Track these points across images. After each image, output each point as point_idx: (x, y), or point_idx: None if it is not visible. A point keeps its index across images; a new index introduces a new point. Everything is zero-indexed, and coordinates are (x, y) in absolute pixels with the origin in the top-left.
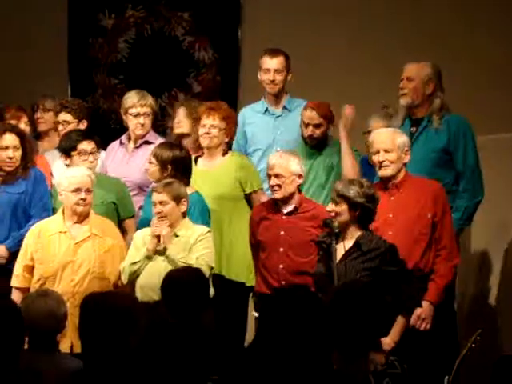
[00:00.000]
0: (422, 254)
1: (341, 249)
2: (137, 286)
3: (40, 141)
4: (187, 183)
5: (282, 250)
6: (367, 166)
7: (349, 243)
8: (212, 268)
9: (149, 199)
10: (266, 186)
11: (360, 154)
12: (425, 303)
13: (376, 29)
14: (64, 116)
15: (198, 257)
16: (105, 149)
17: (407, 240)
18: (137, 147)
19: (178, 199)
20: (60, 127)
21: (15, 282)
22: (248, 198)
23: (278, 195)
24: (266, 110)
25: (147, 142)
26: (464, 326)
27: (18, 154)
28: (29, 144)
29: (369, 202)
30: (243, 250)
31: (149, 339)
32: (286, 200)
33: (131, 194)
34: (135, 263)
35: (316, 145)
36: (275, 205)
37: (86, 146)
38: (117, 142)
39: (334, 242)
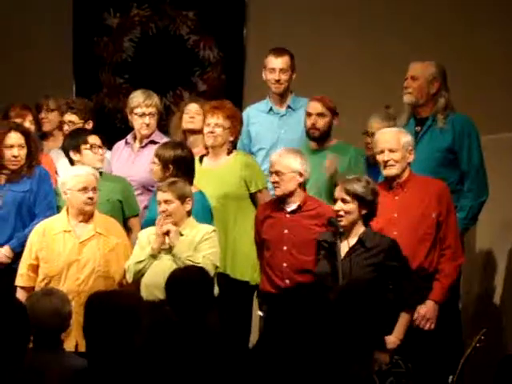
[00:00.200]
0: (427, 253)
1: (345, 246)
2: (142, 284)
3: (45, 140)
4: (190, 183)
5: (285, 248)
6: (367, 166)
7: (352, 240)
8: (217, 267)
9: (154, 199)
10: (270, 185)
11: (364, 155)
12: (429, 303)
13: (376, 29)
14: (70, 117)
15: (204, 256)
16: (109, 148)
17: (412, 239)
18: (142, 147)
19: (182, 198)
20: (65, 127)
21: (20, 281)
22: (253, 197)
23: (277, 192)
24: (271, 109)
25: (153, 142)
26: (469, 326)
27: (23, 152)
28: (33, 143)
29: (376, 198)
30: (248, 249)
31: (153, 338)
32: (286, 197)
33: (136, 193)
34: (140, 262)
35: (319, 137)
36: (279, 203)
37: (96, 139)
38: (122, 142)
39: (338, 240)
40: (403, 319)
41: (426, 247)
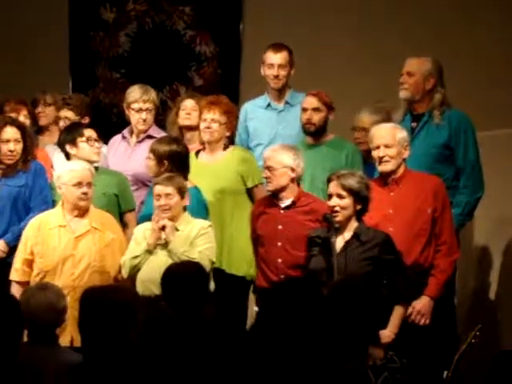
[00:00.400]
0: (422, 249)
1: (340, 242)
2: (138, 280)
3: (41, 135)
4: (185, 178)
5: (280, 244)
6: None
7: (347, 235)
8: (213, 262)
9: (151, 194)
10: None
11: (360, 152)
12: (425, 298)
13: (376, 28)
14: (66, 113)
15: (200, 251)
16: (105, 143)
17: (407, 235)
18: (139, 141)
19: (181, 193)
20: (61, 123)
21: (14, 275)
22: (250, 193)
23: (269, 188)
24: (269, 104)
25: (150, 137)
26: (464, 321)
27: (19, 147)
28: (29, 137)
29: (369, 193)
30: (244, 245)
31: (149, 333)
32: (279, 193)
33: (133, 188)
34: (136, 257)
35: (315, 132)
36: (273, 199)
37: (92, 132)
38: (119, 136)
39: (333, 236)
40: (397, 313)
41: (421, 243)
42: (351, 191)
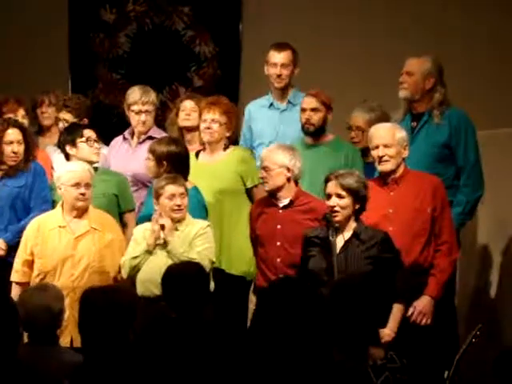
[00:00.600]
0: (422, 248)
1: (339, 241)
2: (138, 280)
3: (41, 136)
4: (185, 179)
5: (278, 243)
6: None
7: (347, 235)
8: (213, 262)
9: (151, 194)
10: None
11: (359, 152)
12: (425, 298)
13: (376, 28)
14: (64, 115)
15: (200, 251)
16: (105, 143)
17: (407, 235)
18: (140, 143)
19: (187, 192)
20: (60, 124)
21: (15, 276)
22: (249, 193)
23: (265, 188)
24: (271, 104)
25: (151, 138)
26: (464, 321)
27: (22, 148)
28: (30, 138)
29: (367, 192)
30: (243, 244)
31: (149, 334)
32: (276, 193)
33: (133, 189)
34: (135, 258)
35: (314, 132)
36: (272, 199)
37: (91, 132)
38: (120, 138)
39: (333, 236)
40: (397, 311)
41: (421, 242)
42: (350, 191)
